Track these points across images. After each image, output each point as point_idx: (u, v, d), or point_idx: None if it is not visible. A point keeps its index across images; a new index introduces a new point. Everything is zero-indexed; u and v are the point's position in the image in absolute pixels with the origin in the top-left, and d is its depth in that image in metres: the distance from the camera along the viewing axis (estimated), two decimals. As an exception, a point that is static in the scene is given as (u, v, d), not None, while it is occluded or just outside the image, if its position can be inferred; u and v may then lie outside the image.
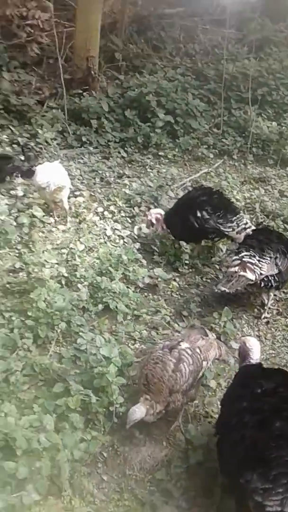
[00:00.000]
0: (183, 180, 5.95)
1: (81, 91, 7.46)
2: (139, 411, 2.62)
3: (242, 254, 3.69)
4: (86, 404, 2.78)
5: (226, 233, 4.26)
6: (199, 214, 4.22)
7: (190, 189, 5.47)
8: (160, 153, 6.61)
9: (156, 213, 4.52)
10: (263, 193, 5.69)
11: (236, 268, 3.60)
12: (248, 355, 2.70)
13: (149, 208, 5.25)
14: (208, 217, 4.21)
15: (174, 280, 4.18)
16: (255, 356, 2.71)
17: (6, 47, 8.22)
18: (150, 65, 8.30)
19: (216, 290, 3.87)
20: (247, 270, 3.57)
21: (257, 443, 2.12)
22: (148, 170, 6.25)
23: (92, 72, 7.52)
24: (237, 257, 3.71)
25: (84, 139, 6.78)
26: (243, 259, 3.64)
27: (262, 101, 7.64)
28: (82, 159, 6.37)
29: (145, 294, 4.01)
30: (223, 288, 3.61)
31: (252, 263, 3.60)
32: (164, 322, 3.62)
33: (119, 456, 2.68)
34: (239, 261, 3.65)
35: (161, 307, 3.77)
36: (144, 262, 4.28)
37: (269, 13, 9.97)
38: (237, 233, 4.24)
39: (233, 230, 4.24)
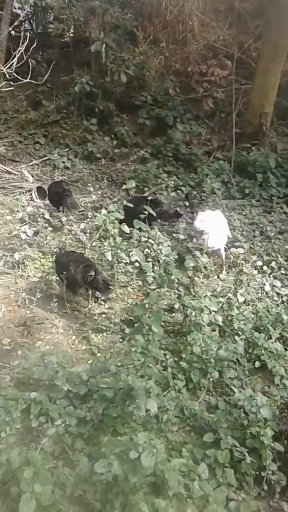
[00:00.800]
0: None
1: (249, 145, 7.76)
2: None
3: None
4: (235, 462, 2.76)
5: None
6: None
7: None
8: None
9: None
10: None
11: None
12: None
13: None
14: None
15: None
16: None
17: (183, 101, 9.04)
18: None
19: None
20: None
21: None
22: None
23: (264, 128, 7.80)
24: None
25: (247, 191, 6.99)
26: None
27: None
28: (243, 210, 6.55)
29: (303, 360, 3.86)
30: None
31: None
32: None
33: (265, 527, 2.58)
34: None
35: None
36: (305, 326, 4.15)
37: None
38: None
39: None
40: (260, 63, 8.21)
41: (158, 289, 4.43)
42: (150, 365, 3.36)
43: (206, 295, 4.16)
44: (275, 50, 7.87)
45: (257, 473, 2.76)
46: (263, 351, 3.71)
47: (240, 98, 8.32)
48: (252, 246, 5.54)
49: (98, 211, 5.69)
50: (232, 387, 3.37)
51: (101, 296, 4.45)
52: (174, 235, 5.66)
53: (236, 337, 3.81)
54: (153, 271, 4.49)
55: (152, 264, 4.66)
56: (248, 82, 8.78)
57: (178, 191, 6.92)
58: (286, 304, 4.39)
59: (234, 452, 2.69)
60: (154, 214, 5.56)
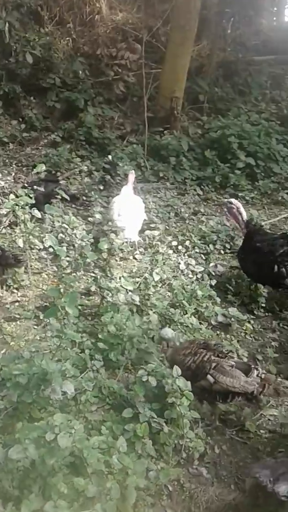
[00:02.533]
0: (261, 223, 6.02)
1: (162, 129, 7.94)
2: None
3: None
4: (154, 434, 2.83)
5: None
6: (276, 269, 4.28)
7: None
8: (238, 194, 6.80)
9: (233, 203, 4.67)
10: None
11: None
12: None
13: (224, 247, 5.39)
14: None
15: (249, 322, 4.18)
16: None
17: (93, 84, 8.99)
18: (234, 108, 8.68)
19: None
20: None
21: None
22: (225, 209, 6.41)
23: (175, 112, 8.00)
24: None
25: (161, 174, 7.16)
26: None
27: None
28: (158, 193, 6.70)
29: (218, 332, 4.06)
30: None
31: None
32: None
33: (184, 492, 2.67)
34: None
35: (234, 347, 3.78)
36: (218, 300, 4.35)
37: None
38: None
39: None
40: (169, 47, 8.40)
41: (74, 273, 4.41)
42: (67, 348, 3.33)
43: (122, 276, 4.20)
44: (183, 35, 8.07)
45: (177, 442, 2.87)
46: (179, 326, 3.84)
47: (151, 82, 8.45)
48: (167, 227, 5.69)
49: (6, 197, 5.50)
50: (149, 362, 3.44)
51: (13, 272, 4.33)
52: (89, 219, 5.63)
53: (152, 314, 3.90)
54: (67, 256, 4.45)
55: (67, 248, 4.61)
56: (158, 66, 8.94)
57: (92, 176, 6.91)
58: (200, 280, 4.56)
59: (152, 423, 2.76)
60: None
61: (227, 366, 2.97)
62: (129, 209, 5.25)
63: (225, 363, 2.99)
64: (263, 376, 3.01)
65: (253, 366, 3.04)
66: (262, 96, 9.27)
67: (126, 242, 4.98)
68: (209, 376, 2.96)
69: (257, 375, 2.97)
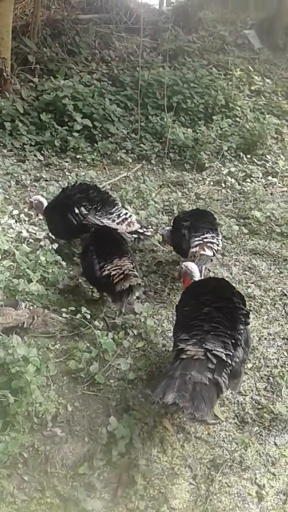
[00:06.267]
0: (102, 183, 6.07)
1: (-7, 93, 7.35)
2: None
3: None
4: (4, 406, 2.75)
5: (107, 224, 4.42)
6: (77, 211, 4.36)
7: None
8: (78, 157, 6.72)
9: (36, 199, 4.67)
10: (180, 196, 5.96)
11: (197, 248, 3.99)
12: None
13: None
14: (86, 212, 4.37)
15: (95, 279, 4.24)
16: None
17: None
18: (65, 69, 8.38)
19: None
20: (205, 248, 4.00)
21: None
22: (67, 173, 6.32)
23: (5, 74, 7.45)
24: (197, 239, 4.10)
25: (-3, 142, 6.69)
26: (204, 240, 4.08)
27: (178, 109, 8.03)
28: (-4, 162, 6.28)
29: (66, 295, 4.04)
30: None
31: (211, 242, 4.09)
32: (85, 322, 3.65)
33: (40, 456, 2.67)
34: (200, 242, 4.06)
35: (82, 307, 3.80)
36: (64, 263, 4.31)
37: (181, 24, 10.60)
38: (117, 224, 4.42)
39: (113, 221, 4.42)
40: (-12, 4, 7.66)
41: None
42: None
43: None
44: (1, -10, 7.42)
45: (30, 409, 2.83)
46: (25, 295, 3.73)
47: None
48: (7, 196, 5.40)
49: None
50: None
51: None
52: None
53: (-5, 289, 3.72)
54: None
55: None
56: (-19, 25, 8.14)
57: None
58: (44, 247, 4.45)
59: (-2, 397, 2.67)
60: None
61: None
62: None
63: None
64: (31, 308, 3.41)
65: (19, 300, 3.43)
66: (92, 56, 9.09)
67: None
68: None
69: (25, 307, 3.34)
